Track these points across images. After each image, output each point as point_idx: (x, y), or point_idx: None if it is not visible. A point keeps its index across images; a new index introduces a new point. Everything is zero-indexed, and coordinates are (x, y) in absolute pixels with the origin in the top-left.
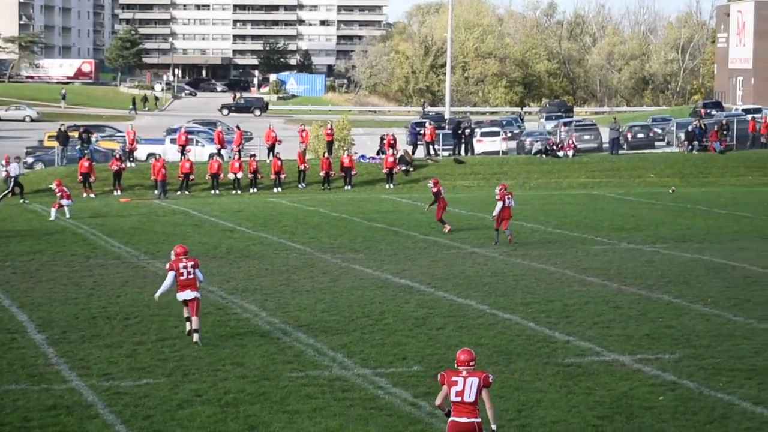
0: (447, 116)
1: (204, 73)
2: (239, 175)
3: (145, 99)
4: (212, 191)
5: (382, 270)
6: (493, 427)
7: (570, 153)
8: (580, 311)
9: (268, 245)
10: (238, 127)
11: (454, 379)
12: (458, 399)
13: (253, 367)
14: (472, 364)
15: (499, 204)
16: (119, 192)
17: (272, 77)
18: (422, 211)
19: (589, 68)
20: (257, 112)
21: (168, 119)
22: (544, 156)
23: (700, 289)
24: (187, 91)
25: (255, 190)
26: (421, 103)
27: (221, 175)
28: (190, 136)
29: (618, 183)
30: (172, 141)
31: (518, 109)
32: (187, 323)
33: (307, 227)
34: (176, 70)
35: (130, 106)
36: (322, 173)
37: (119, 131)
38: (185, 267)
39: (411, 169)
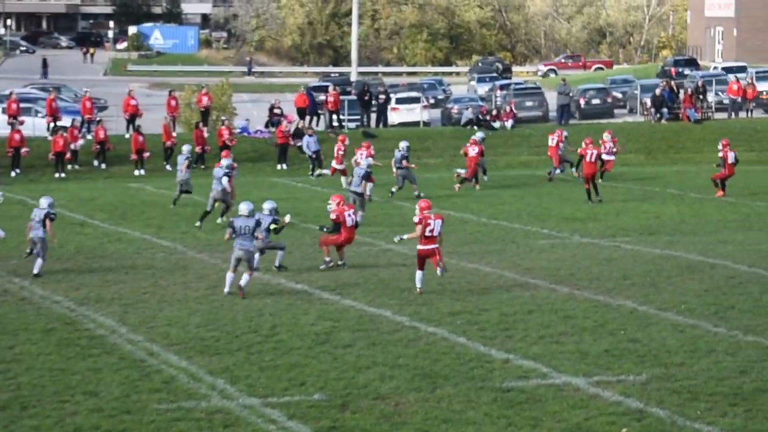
0: (353, 78)
1: (45, 24)
2: (79, 143)
3: None
4: (57, 174)
5: (273, 272)
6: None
7: (508, 123)
8: (523, 322)
9: (128, 242)
10: (86, 93)
11: (429, 221)
12: (430, 234)
13: (110, 398)
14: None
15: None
16: None
17: (131, 30)
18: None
19: (531, 17)
20: None
21: None
22: (475, 127)
23: (672, 293)
24: (22, 48)
25: (103, 165)
26: (247, 61)
27: (67, 154)
28: (26, 105)
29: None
30: (3, 111)
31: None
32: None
33: (178, 219)
34: (8, 21)
35: (42, 69)
36: (197, 149)
37: None
38: None
39: None
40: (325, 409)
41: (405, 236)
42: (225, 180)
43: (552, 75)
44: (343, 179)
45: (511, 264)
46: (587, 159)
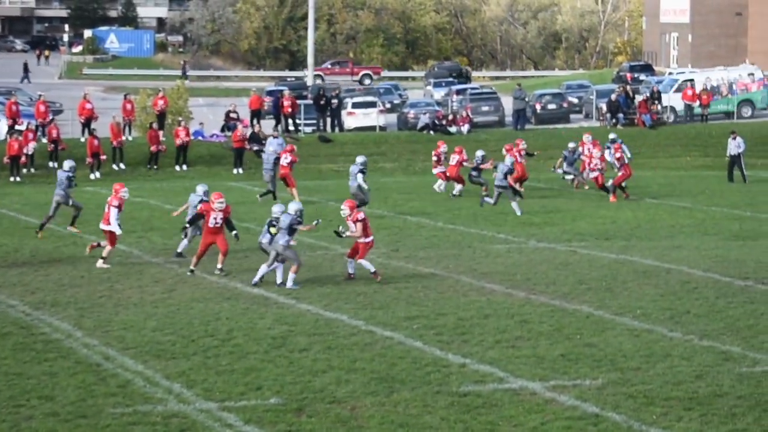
0: (309, 83)
1: None
2: (31, 146)
3: None
4: (11, 178)
5: (229, 277)
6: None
7: (464, 128)
8: (479, 327)
9: (83, 247)
10: (40, 96)
11: (356, 212)
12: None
13: (66, 402)
14: None
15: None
16: None
17: (87, 33)
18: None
19: (486, 22)
20: None
21: None
22: (431, 132)
23: (628, 298)
24: None
25: (55, 164)
26: (181, 64)
27: (22, 158)
28: None
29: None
30: None
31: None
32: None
33: (133, 223)
34: None
35: (23, 74)
36: (152, 148)
37: None
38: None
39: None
40: (281, 413)
41: (348, 232)
42: (360, 177)
43: (318, 81)
44: (437, 184)
45: (468, 268)
46: (517, 160)
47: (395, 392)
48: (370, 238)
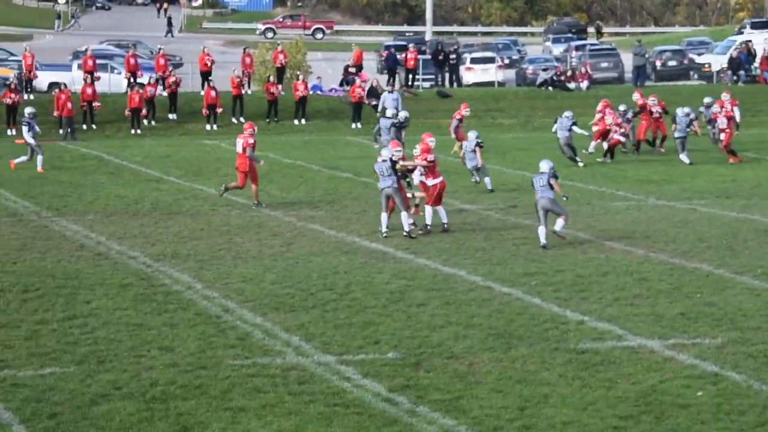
0: (428, 38)
1: None
2: (157, 91)
3: (58, 16)
4: (132, 131)
5: (348, 231)
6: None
7: (584, 84)
8: (598, 284)
9: (203, 200)
10: (160, 50)
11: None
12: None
13: (185, 353)
14: None
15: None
16: (14, 131)
17: None
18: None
19: None
20: None
21: (75, 39)
22: (551, 88)
23: (748, 256)
24: (98, 4)
25: (174, 116)
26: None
27: (143, 110)
28: (102, 61)
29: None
30: (79, 67)
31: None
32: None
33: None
34: None
35: (168, 27)
36: (268, 97)
37: (13, 54)
38: None
39: None
40: (399, 367)
41: (401, 162)
42: (576, 128)
43: (270, 34)
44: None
45: (586, 225)
46: (652, 116)
47: (513, 348)
48: (439, 179)
